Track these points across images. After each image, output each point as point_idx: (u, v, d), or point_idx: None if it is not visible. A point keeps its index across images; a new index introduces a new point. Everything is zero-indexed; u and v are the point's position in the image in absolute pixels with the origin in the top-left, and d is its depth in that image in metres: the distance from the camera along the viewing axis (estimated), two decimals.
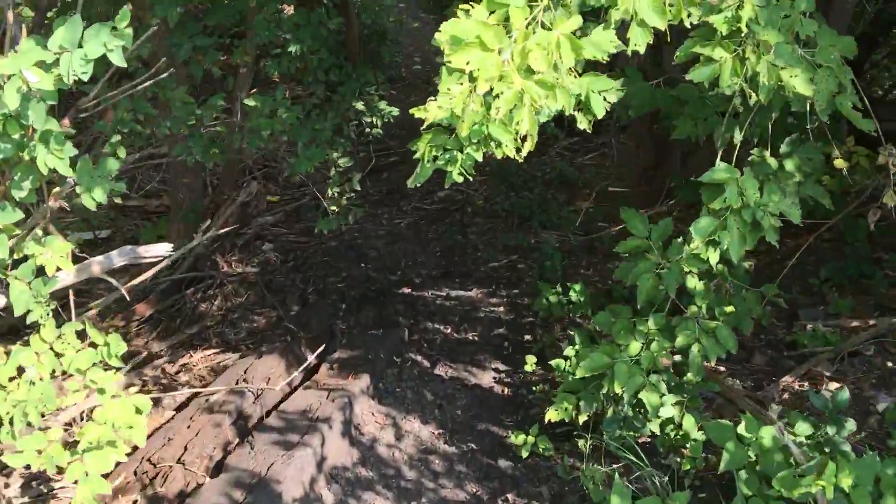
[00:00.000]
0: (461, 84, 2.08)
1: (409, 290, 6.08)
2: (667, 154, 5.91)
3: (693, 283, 3.17)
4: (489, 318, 5.31)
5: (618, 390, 3.07)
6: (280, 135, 4.77)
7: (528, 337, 5.01)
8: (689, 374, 3.17)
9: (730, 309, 3.24)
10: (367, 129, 5.95)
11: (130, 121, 3.88)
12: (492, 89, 2.07)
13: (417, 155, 2.49)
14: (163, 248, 3.29)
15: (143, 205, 8.01)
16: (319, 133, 5.09)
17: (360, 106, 5.66)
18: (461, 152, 2.41)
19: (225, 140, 4.90)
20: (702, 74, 2.72)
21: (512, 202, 7.07)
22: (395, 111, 5.84)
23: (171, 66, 3.54)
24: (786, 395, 3.73)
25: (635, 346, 3.17)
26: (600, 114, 2.76)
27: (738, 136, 3.09)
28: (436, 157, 2.48)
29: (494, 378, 4.66)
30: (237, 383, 4.19)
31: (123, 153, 2.86)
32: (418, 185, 2.64)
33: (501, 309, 5.45)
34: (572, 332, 4.18)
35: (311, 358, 4.38)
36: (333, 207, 5.56)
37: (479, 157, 2.43)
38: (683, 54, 2.74)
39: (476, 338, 5.11)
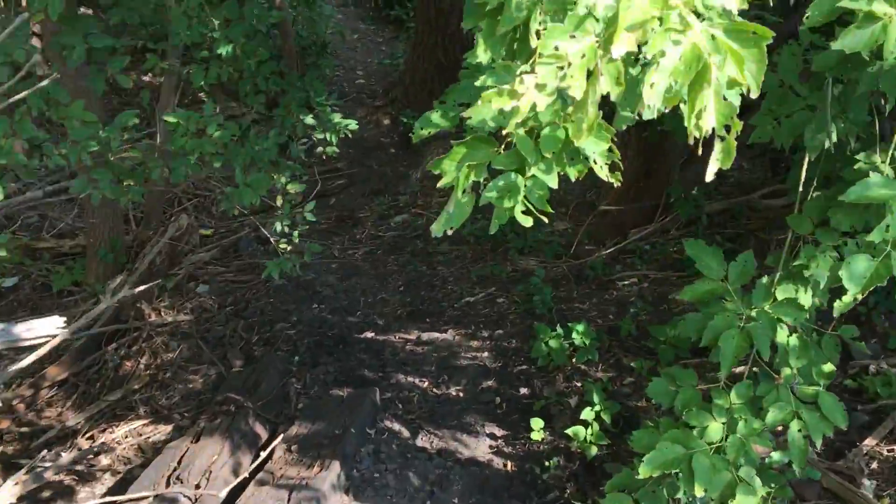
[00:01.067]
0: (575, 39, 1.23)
1: (373, 335, 5.23)
2: (660, 162, 5.24)
3: (783, 336, 2.41)
4: (473, 368, 4.50)
5: (699, 493, 2.29)
6: (211, 159, 3.88)
7: (524, 390, 4.21)
8: (793, 463, 2.39)
9: (829, 368, 2.49)
10: (320, 148, 5.08)
11: (8, 150, 2.94)
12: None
13: (446, 181, 1.67)
14: (50, 326, 2.41)
15: (56, 246, 6.94)
16: (261, 154, 4.22)
17: (309, 120, 4.78)
18: (522, 175, 1.60)
19: (142, 169, 4.00)
20: (858, 40, 1.85)
21: (480, 225, 6.29)
22: (354, 124, 4.98)
23: (62, 73, 2.65)
24: (874, 464, 3.03)
25: (715, 429, 2.39)
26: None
27: (832, 137, 2.33)
28: (477, 185, 1.66)
29: (492, 448, 3.84)
30: (168, 481, 3.27)
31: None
32: (451, 230, 1.81)
33: (486, 355, 4.65)
34: (584, 387, 3.41)
35: (263, 438, 3.49)
36: (284, 245, 4.68)
37: (554, 183, 1.64)
38: (821, 12, 1.89)
39: (460, 393, 4.29)
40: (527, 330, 4.74)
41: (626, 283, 4.93)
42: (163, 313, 5.95)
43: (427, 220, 6.94)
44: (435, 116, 2.42)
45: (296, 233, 4.65)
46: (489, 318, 5.09)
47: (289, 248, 4.62)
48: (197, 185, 7.95)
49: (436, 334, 5.06)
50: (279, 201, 4.61)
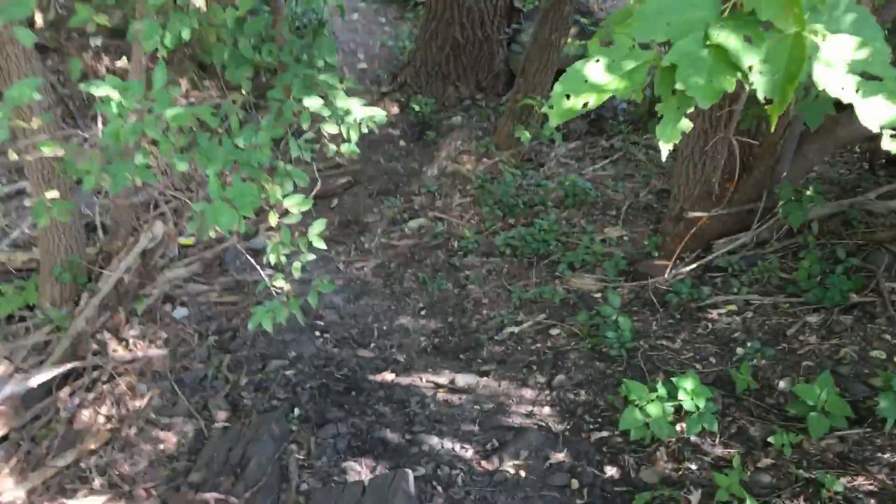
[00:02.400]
0: None
1: (393, 377, 4.13)
2: (759, 156, 4.13)
3: None
4: (533, 432, 3.39)
5: None
6: (168, 157, 2.74)
7: (611, 471, 3.10)
8: None
9: None
10: (332, 147, 3.98)
11: None
12: None
13: None
14: None
15: (6, 260, 5.81)
16: (249, 154, 3.10)
17: (316, 106, 3.64)
18: None
19: (64, 171, 2.86)
20: None
21: (519, 235, 5.19)
22: (381, 115, 3.78)
23: None
24: None
25: None
26: None
27: None
28: None
29: None
30: None
31: None
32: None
33: (546, 411, 3.55)
34: (715, 479, 2.32)
35: None
36: (280, 283, 3.56)
37: None
38: None
39: (521, 471, 3.18)
40: (598, 376, 3.65)
41: (721, 311, 3.85)
42: (131, 345, 4.84)
43: (449, 224, 5.84)
44: (592, 70, 1.41)
45: (297, 264, 3.54)
46: (543, 356, 3.99)
47: (286, 286, 3.50)
48: (176, 184, 6.83)
49: (474, 377, 3.96)
50: (272, 219, 3.48)
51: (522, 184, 6.08)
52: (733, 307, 3.85)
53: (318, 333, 4.78)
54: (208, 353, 4.64)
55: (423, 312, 4.86)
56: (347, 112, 3.39)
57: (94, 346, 4.73)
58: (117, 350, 4.75)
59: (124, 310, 5.06)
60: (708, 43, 1.28)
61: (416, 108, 7.18)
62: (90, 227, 6.06)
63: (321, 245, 3.34)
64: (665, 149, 1.50)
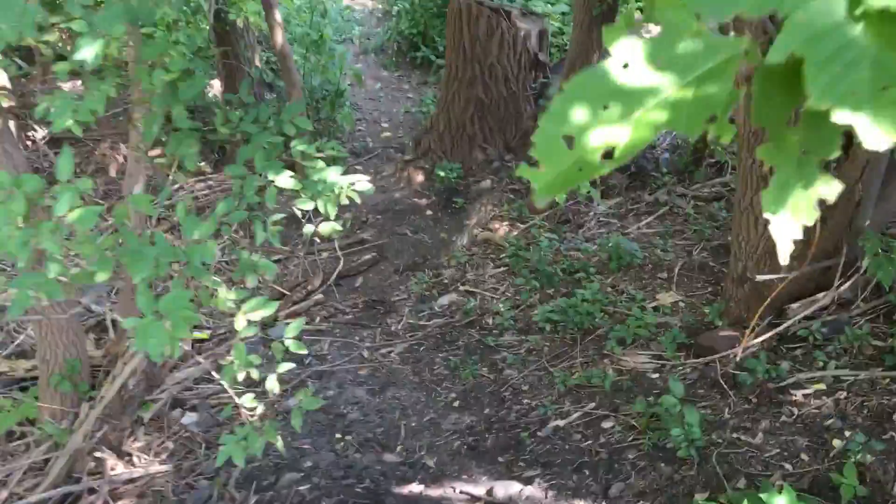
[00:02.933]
0: None
1: (421, 488, 3.53)
2: (839, 199, 3.52)
3: None
4: None
5: None
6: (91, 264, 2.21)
7: None
8: None
9: None
10: (309, 227, 3.49)
11: None
12: None
13: None
14: None
15: (8, 370, 5.43)
16: (193, 252, 2.57)
17: (285, 180, 3.13)
18: None
19: None
20: None
21: (559, 307, 4.60)
22: (366, 184, 3.25)
23: None
24: None
25: None
26: None
27: None
28: None
29: None
30: None
31: None
32: None
33: None
34: None
35: None
36: (252, 406, 3.01)
37: None
38: None
39: None
40: (664, 483, 3.00)
41: (808, 391, 3.18)
42: (134, 459, 4.35)
43: (482, 299, 5.28)
44: (620, 76, 0.78)
45: (271, 383, 3.00)
46: (596, 456, 3.35)
47: (257, 412, 2.96)
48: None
49: (515, 486, 3.33)
50: (240, 322, 2.96)
51: (560, 249, 5.51)
52: (821, 386, 3.18)
53: (338, 435, 4.22)
54: (216, 468, 4.11)
55: (455, 404, 4.27)
56: (326, 184, 2.88)
57: (92, 464, 4.25)
58: (117, 467, 4.25)
59: (128, 419, 4.59)
60: (860, 11, 0.64)
61: (442, 174, 6.72)
62: (100, 326, 5.68)
63: (301, 350, 2.79)
64: (780, 226, 0.84)
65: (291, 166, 3.04)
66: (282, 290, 6.03)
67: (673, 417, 3.04)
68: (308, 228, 3.13)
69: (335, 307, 5.77)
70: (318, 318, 5.65)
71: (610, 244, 5.15)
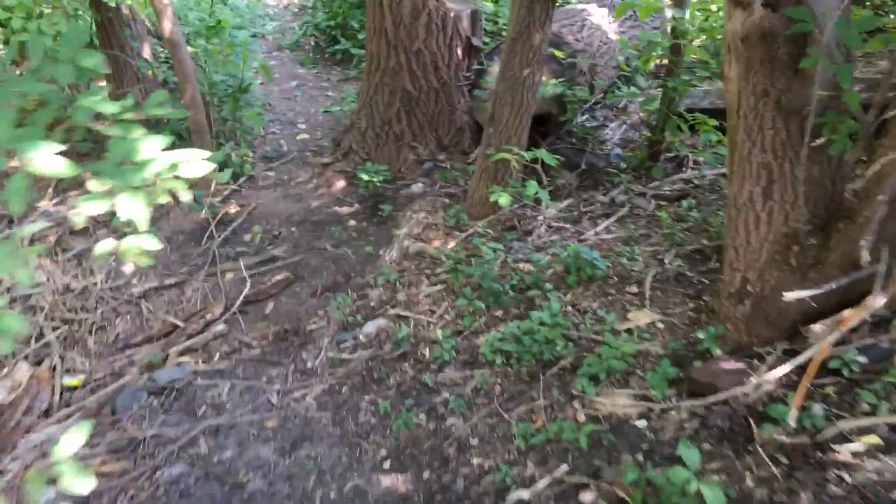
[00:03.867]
0: None
1: None
2: (864, 194, 2.74)
3: None
4: None
5: None
6: None
7: None
8: None
9: None
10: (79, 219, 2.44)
11: None
12: None
13: None
14: None
15: None
16: None
17: (34, 159, 2.14)
18: None
19: None
20: None
21: (511, 334, 3.73)
22: (206, 167, 2.24)
23: None
24: None
25: None
26: None
27: None
28: None
29: None
30: None
31: None
32: None
33: None
34: None
35: None
36: None
37: None
38: None
39: None
40: None
41: (857, 448, 2.36)
42: None
43: (416, 325, 4.36)
44: None
45: None
46: None
47: None
48: (70, 305, 5.36)
49: None
50: None
51: (507, 261, 4.65)
52: (874, 440, 2.38)
53: None
54: None
55: (386, 465, 3.34)
56: (134, 167, 1.91)
57: None
58: None
59: None
60: None
61: (366, 178, 5.79)
62: None
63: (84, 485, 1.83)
64: None
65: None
66: (175, 321, 4.98)
67: (688, 499, 2.19)
68: (103, 246, 2.10)
69: (240, 340, 4.76)
70: (217, 355, 4.63)
71: (566, 254, 4.32)
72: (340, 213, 5.94)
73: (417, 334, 4.26)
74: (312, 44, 9.73)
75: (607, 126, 6.72)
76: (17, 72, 7.46)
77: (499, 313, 4.15)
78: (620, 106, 6.89)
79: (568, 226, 5.12)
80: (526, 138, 5.35)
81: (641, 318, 3.74)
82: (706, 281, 3.98)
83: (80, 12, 6.28)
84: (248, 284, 5.23)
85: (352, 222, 5.83)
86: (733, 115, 3.09)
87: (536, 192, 4.91)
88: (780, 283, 3.02)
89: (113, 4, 5.91)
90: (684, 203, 4.94)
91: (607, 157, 6.20)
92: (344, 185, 6.16)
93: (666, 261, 4.24)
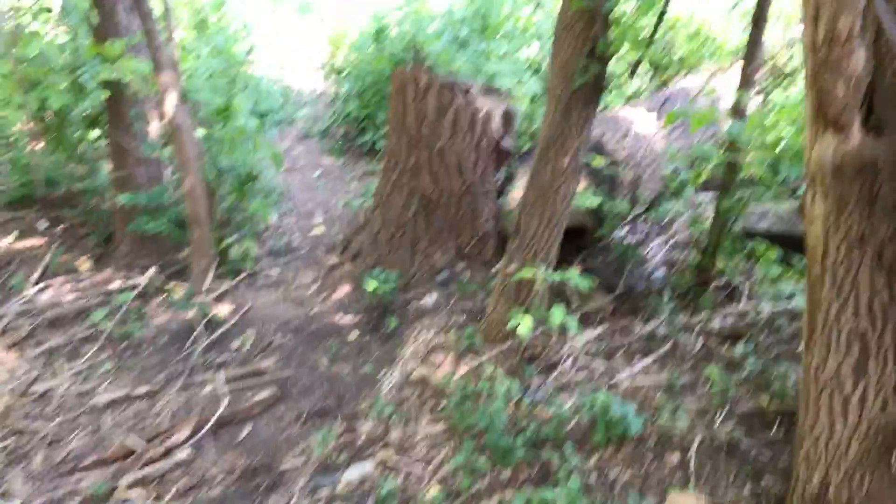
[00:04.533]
0: None
1: None
2: None
3: None
4: None
5: None
6: None
7: None
8: None
9: None
10: None
11: None
12: None
13: None
14: None
15: None
16: None
17: None
18: None
19: None
20: None
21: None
22: None
23: None
24: None
25: None
26: None
27: None
28: None
29: None
30: None
31: None
32: None
33: None
34: None
35: None
36: None
37: None
38: None
39: None
40: None
41: None
42: None
43: (406, 478, 3.61)
44: None
45: None
46: None
47: None
48: (27, 410, 4.74)
49: None
50: None
51: (523, 402, 3.91)
52: None
53: None
54: None
55: None
56: None
57: None
58: None
59: None
60: None
61: (373, 285, 5.14)
62: None
63: None
64: None
65: None
66: (133, 444, 4.29)
67: None
68: None
69: (203, 474, 4.04)
70: (171, 492, 3.91)
71: (594, 404, 3.56)
72: (342, 323, 5.28)
73: (405, 490, 3.50)
74: (341, 133, 9.35)
75: (649, 243, 6.03)
76: (30, 145, 7.12)
77: (506, 474, 3.39)
78: (665, 222, 6.23)
79: (599, 362, 4.38)
80: (555, 255, 4.68)
81: (685, 502, 2.94)
82: (767, 456, 3.18)
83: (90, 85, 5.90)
84: (226, 401, 4.55)
85: (353, 335, 5.15)
86: (816, 264, 2.38)
87: (563, 320, 4.20)
88: (876, 492, 2.24)
89: (129, 79, 5.50)
90: (738, 347, 4.17)
91: (648, 279, 5.49)
92: (349, 290, 5.53)
93: (716, 422, 3.46)
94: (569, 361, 4.37)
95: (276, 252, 6.49)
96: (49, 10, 5.90)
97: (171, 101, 5.13)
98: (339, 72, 11.45)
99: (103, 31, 5.56)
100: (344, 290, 5.49)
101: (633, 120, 6.11)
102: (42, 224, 6.83)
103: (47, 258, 6.29)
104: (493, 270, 5.49)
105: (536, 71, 6.60)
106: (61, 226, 6.80)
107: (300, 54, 12.71)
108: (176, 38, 5.73)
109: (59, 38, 5.91)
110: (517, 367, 4.41)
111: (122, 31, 5.66)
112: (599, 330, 4.81)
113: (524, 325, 4.18)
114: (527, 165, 5.60)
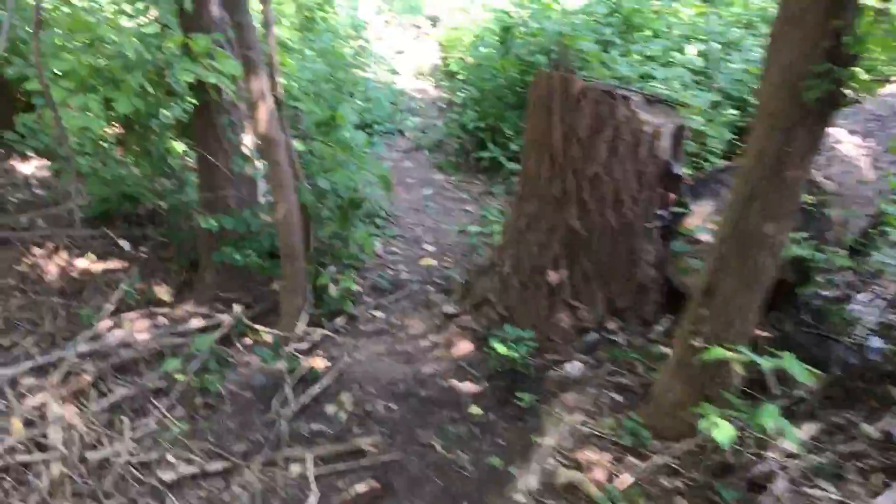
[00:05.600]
0: None
1: None
2: None
3: None
4: None
5: None
6: None
7: None
8: None
9: None
10: None
11: None
12: None
13: None
14: None
15: None
16: None
17: None
18: None
19: None
20: None
21: None
22: None
23: None
24: None
25: None
26: None
27: None
28: None
29: None
30: None
31: None
32: None
33: None
34: None
35: None
36: None
37: None
38: None
39: None
40: None
41: None
42: None
43: None
44: None
45: None
46: None
47: None
48: (77, 487, 3.90)
49: None
50: None
51: None
52: None
53: None
54: None
55: None
56: None
57: None
58: None
59: None
60: None
61: (501, 349, 4.04)
62: None
63: None
64: None
65: None
66: None
67: None
68: None
69: None
70: None
71: None
72: (460, 391, 4.20)
73: None
74: (456, 146, 8.32)
75: (853, 300, 4.68)
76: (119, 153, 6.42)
77: None
78: (872, 272, 4.86)
79: (822, 485, 3.11)
80: (755, 326, 3.46)
81: None
82: None
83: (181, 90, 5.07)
84: (315, 494, 3.56)
85: (474, 409, 4.06)
86: None
87: (774, 423, 2.99)
88: None
89: (213, 81, 4.62)
90: None
91: (861, 352, 4.16)
92: (471, 349, 4.44)
93: None
94: (781, 481, 3.13)
95: (380, 288, 5.49)
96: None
97: (263, 111, 4.20)
98: (452, 77, 10.47)
99: (194, 22, 4.71)
100: (463, 347, 4.41)
101: (836, 139, 4.78)
102: (124, 244, 6.10)
103: (124, 285, 5.52)
104: (656, 331, 4.29)
105: (703, 78, 5.36)
106: (143, 247, 6.05)
107: (410, 57, 11.84)
108: (275, 35, 4.81)
109: (149, 28, 5.08)
110: (705, 482, 3.21)
111: (214, 25, 4.81)
112: (809, 426, 3.54)
113: (723, 431, 2.98)
114: (706, 198, 4.37)
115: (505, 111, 7.40)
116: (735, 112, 5.56)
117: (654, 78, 5.15)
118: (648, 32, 6.75)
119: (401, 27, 12.91)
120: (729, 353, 3.14)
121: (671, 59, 5.87)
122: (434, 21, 13.48)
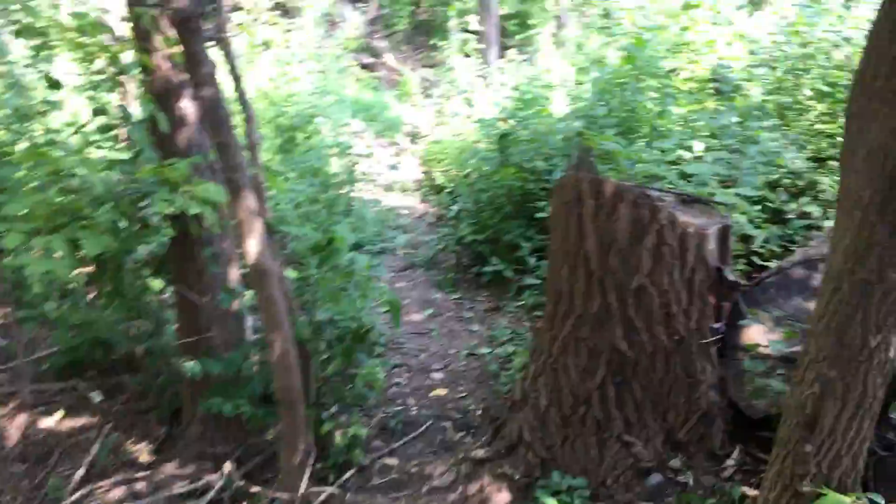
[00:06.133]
0: None
1: None
2: None
3: None
4: None
5: None
6: None
7: None
8: None
9: None
10: None
11: None
12: None
13: None
14: None
15: None
16: None
17: None
18: None
19: None
20: None
21: None
22: None
23: None
24: None
25: None
26: None
27: None
28: None
29: None
30: None
31: None
32: None
33: None
34: None
35: None
36: None
37: None
38: None
39: None
40: None
41: None
42: None
43: None
44: None
45: None
46: None
47: None
48: None
49: None
50: None
51: None
52: None
53: None
54: None
55: None
56: None
57: None
58: None
59: None
60: None
61: (551, 502, 3.35)
62: None
63: None
64: None
65: None
66: None
67: None
68: None
69: None
70: None
71: None
72: None
73: None
74: (452, 261, 7.82)
75: None
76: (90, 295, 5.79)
77: None
78: None
79: None
80: (864, 457, 2.86)
81: None
82: None
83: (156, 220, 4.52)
84: None
85: None
86: None
87: None
88: None
89: (196, 210, 4.06)
90: None
91: None
92: (509, 500, 3.74)
93: None
94: None
95: (390, 429, 4.82)
96: (109, 129, 4.58)
97: (254, 241, 3.65)
98: (439, 190, 10.14)
99: (170, 146, 4.23)
100: (501, 500, 3.71)
101: None
102: (95, 396, 5.38)
103: (96, 446, 4.79)
104: (727, 466, 3.64)
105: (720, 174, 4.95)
106: (118, 399, 5.34)
107: (393, 174, 11.56)
108: (261, 156, 4.35)
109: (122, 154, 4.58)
110: None
111: (194, 148, 4.34)
112: None
113: None
114: (764, 306, 3.84)
115: (502, 221, 6.96)
116: (757, 207, 5.16)
117: (689, 176, 4.72)
118: (646, 129, 6.46)
119: (380, 146, 12.73)
120: (847, 500, 2.53)
121: (681, 157, 5.51)
122: (413, 137, 13.34)
